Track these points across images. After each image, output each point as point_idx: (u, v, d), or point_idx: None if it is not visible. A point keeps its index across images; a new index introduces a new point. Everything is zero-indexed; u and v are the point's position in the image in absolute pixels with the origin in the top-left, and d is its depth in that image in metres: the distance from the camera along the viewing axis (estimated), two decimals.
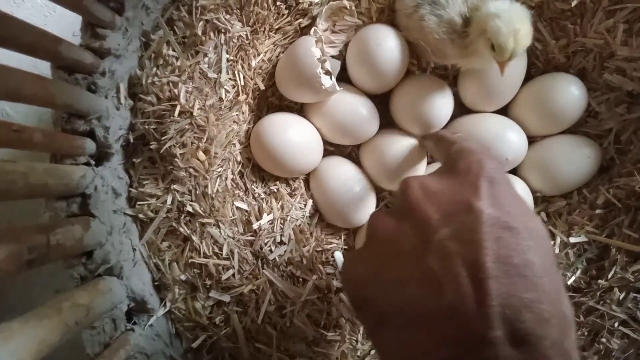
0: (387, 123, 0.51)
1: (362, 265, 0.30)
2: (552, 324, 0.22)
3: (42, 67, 0.38)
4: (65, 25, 0.50)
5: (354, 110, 0.48)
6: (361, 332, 0.47)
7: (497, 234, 0.24)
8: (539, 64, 0.50)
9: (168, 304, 0.44)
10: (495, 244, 0.23)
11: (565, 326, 0.23)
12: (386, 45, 0.46)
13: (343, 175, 0.50)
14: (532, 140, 0.51)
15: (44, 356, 0.27)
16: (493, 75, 0.44)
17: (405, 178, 0.31)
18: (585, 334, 0.45)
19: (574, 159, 0.49)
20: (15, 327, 0.26)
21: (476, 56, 0.42)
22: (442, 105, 0.48)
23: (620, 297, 0.44)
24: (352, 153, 0.53)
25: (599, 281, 0.46)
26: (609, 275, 0.45)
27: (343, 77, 0.51)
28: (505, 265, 0.23)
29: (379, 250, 0.29)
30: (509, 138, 0.48)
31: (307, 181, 0.51)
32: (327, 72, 0.46)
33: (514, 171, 0.52)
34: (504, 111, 0.51)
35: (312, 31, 0.46)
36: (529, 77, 0.50)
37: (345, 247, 0.51)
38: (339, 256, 0.50)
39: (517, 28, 0.37)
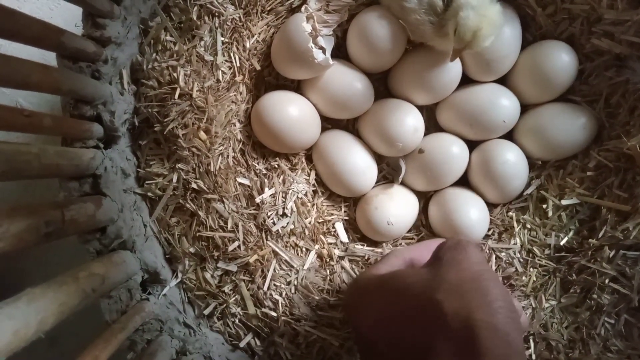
0: (382, 95, 0.53)
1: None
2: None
3: (50, 58, 0.41)
4: (70, 17, 0.52)
5: (349, 84, 0.50)
6: None
7: None
8: (530, 33, 0.51)
9: (179, 275, 0.47)
10: None
11: None
12: (386, 27, 0.47)
13: (344, 146, 0.52)
14: (527, 107, 0.52)
15: (65, 317, 0.30)
16: (492, 46, 0.46)
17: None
18: (578, 291, 0.47)
19: (570, 127, 0.50)
20: (38, 291, 0.29)
21: (448, 39, 0.44)
22: (450, 67, 0.49)
23: (610, 255, 0.46)
24: (349, 126, 0.55)
25: (590, 240, 0.47)
26: (600, 235, 0.47)
27: (338, 54, 0.53)
28: None
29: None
30: (502, 103, 0.50)
31: (307, 156, 0.54)
32: (321, 48, 0.47)
33: (510, 136, 0.53)
34: (503, 80, 0.52)
35: (302, 8, 0.48)
36: (522, 46, 0.51)
37: (346, 217, 0.53)
38: (340, 227, 0.53)
39: (480, 27, 0.41)
